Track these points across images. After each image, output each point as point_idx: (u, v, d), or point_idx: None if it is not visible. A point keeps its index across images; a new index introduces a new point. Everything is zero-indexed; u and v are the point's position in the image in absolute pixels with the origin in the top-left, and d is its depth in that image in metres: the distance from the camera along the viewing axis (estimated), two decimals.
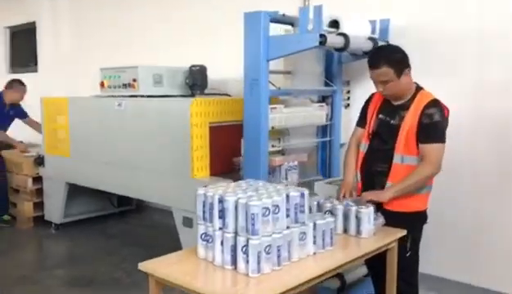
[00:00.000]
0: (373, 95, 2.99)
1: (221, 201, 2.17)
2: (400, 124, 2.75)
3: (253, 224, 2.04)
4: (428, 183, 2.75)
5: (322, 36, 2.98)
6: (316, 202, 2.69)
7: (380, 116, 2.87)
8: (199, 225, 2.26)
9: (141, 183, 4.24)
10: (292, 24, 3.55)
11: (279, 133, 3.62)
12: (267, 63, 3.25)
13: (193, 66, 4.28)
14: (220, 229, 2.17)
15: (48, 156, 5.32)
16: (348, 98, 4.07)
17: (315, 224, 2.31)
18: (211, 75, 4.41)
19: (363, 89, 3.99)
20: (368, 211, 2.55)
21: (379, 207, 2.69)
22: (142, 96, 4.18)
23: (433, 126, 2.65)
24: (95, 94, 4.83)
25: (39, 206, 5.54)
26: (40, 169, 5.43)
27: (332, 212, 2.60)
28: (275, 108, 3.46)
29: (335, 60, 3.88)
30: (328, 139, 3.95)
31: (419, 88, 2.81)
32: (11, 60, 8.41)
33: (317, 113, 3.80)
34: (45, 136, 5.34)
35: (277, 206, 2.12)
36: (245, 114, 3.38)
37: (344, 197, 2.85)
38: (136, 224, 5.64)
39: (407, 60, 2.74)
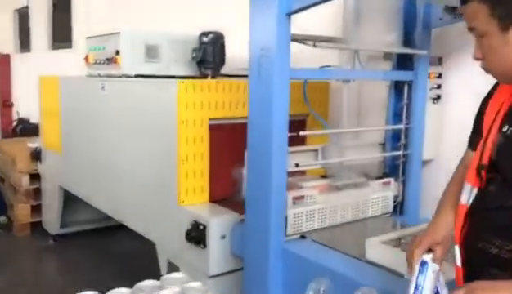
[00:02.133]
0: (497, 85, 1.42)
1: None
2: None
3: None
4: None
5: None
6: None
7: (507, 130, 1.32)
8: None
9: (125, 204, 2.97)
10: None
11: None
12: (286, 19, 1.81)
13: (204, 34, 2.90)
14: None
15: (45, 150, 4.25)
16: (439, 87, 2.48)
17: None
18: (234, 48, 3.01)
19: (467, 73, 2.41)
20: None
21: None
22: (127, 77, 2.89)
23: None
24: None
25: (38, 209, 4.52)
26: (38, 165, 4.39)
27: None
28: (300, 198, 2.04)
29: (419, 23, 2.32)
30: (401, 153, 2.41)
31: None
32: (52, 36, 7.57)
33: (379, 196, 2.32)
34: (41, 125, 4.28)
35: None
36: (250, 112, 1.97)
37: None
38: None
39: None
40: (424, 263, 1.31)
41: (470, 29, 1.29)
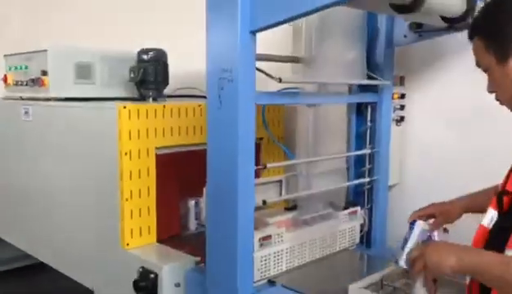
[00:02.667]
0: None
1: None
2: None
3: None
4: None
5: None
6: None
7: None
8: None
9: (56, 245, 2.57)
10: None
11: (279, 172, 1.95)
12: (251, 37, 1.58)
13: (143, 51, 2.60)
14: None
15: None
16: (402, 107, 2.36)
17: None
18: (180, 66, 2.72)
19: (429, 92, 2.30)
20: None
21: None
22: (56, 100, 2.52)
23: None
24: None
25: None
26: None
27: None
28: (268, 238, 1.79)
29: (381, 41, 2.18)
30: (367, 180, 2.24)
31: None
32: None
33: (346, 228, 2.15)
34: None
35: None
36: (209, 142, 1.71)
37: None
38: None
39: None
40: (413, 222, 1.67)
41: (478, 65, 1.38)
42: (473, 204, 1.69)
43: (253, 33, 1.58)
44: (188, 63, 2.72)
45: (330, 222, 2.07)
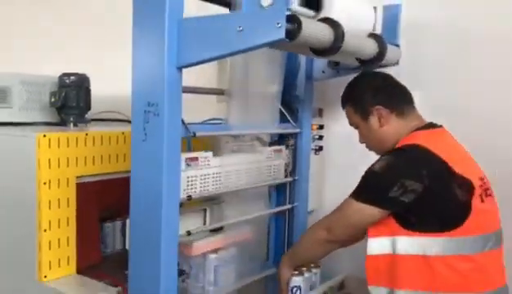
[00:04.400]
0: None
1: None
2: None
3: None
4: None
5: (293, 19, 1.39)
6: None
7: None
8: None
9: None
10: (229, 5, 1.90)
11: (199, 203, 1.98)
12: (177, 73, 1.62)
13: (65, 75, 2.54)
14: None
15: None
16: (321, 137, 2.49)
17: None
18: (103, 90, 2.69)
19: (345, 123, 2.44)
20: None
21: None
22: None
23: (362, 177, 1.74)
24: None
25: None
26: None
27: None
28: (194, 159, 1.82)
29: (301, 75, 2.30)
30: (288, 206, 2.33)
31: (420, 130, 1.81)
32: None
33: (271, 164, 2.20)
34: None
35: None
36: (133, 174, 1.71)
37: None
38: None
39: (382, 93, 1.84)
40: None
41: (350, 124, 1.95)
42: None
43: (180, 69, 1.62)
44: (112, 86, 2.71)
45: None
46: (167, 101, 1.59)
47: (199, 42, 1.54)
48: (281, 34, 1.34)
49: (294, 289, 1.99)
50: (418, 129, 1.78)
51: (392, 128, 1.80)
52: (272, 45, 1.47)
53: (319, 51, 1.57)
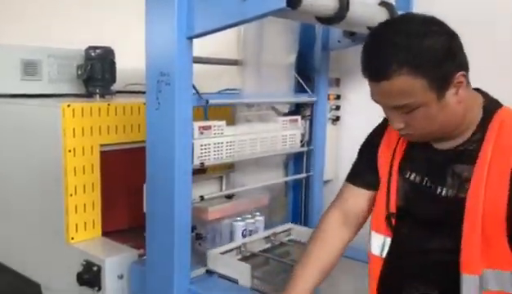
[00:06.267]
0: (386, 122, 1.42)
1: None
2: (463, 197, 1.20)
3: None
4: None
5: None
6: None
7: (410, 176, 1.32)
8: None
9: (2, 241, 2.59)
10: None
11: (216, 170, 2.06)
12: (188, 43, 1.67)
13: (90, 49, 2.65)
14: None
15: None
16: (338, 108, 2.51)
17: None
18: (128, 63, 2.77)
19: (363, 93, 2.45)
20: None
21: None
22: (1, 96, 2.53)
23: None
24: None
25: None
26: None
27: None
28: (207, 127, 1.89)
29: (317, 45, 2.32)
30: (304, 175, 2.38)
31: (492, 106, 1.25)
32: None
33: (287, 134, 2.25)
34: None
35: None
36: (148, 141, 1.80)
37: None
38: None
39: (459, 51, 1.19)
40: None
41: (396, 108, 1.20)
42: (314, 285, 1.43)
43: (190, 39, 1.68)
44: (137, 60, 2.79)
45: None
46: (177, 71, 1.66)
47: (205, 13, 1.59)
48: (282, 3, 1.38)
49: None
50: (487, 101, 1.28)
51: (467, 104, 1.22)
52: (276, 14, 1.50)
53: (324, 20, 1.59)
